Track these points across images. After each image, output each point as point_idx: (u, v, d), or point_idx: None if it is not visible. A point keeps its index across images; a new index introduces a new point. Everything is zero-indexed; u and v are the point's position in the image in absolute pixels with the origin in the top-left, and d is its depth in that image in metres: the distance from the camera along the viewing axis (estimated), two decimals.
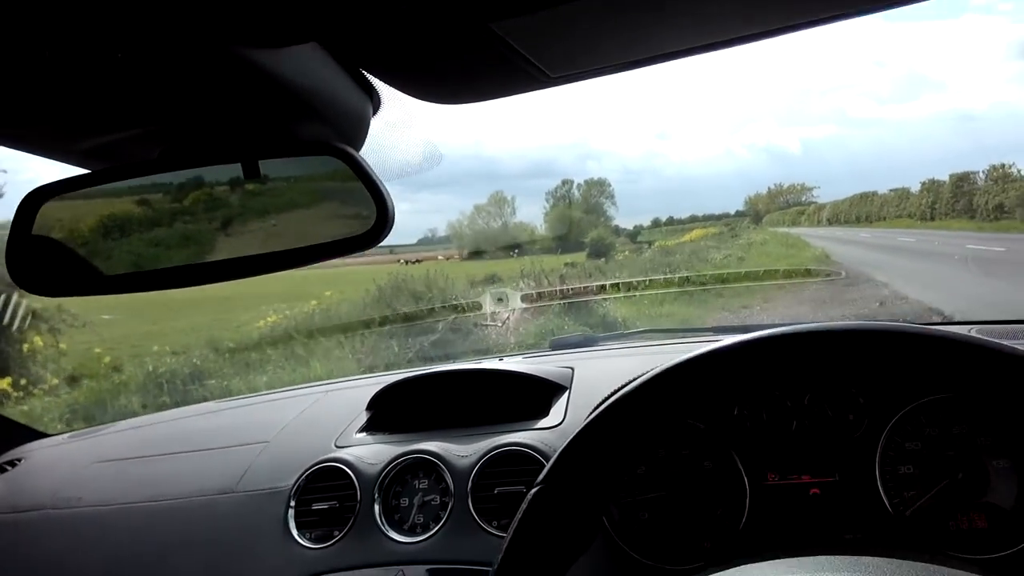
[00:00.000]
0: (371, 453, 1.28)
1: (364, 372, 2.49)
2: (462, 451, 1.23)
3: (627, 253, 15.22)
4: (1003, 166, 16.20)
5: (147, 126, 0.59)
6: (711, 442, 1.06)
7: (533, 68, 0.53)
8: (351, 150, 0.60)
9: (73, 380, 5.83)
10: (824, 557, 0.53)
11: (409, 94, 0.59)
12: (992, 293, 6.88)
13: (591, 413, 0.78)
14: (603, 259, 13.67)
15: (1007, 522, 0.94)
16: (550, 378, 1.38)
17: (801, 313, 6.71)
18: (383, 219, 0.61)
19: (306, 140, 0.61)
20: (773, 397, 1.06)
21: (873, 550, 0.56)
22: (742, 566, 0.55)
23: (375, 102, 0.65)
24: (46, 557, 1.38)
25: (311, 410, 1.57)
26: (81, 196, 0.65)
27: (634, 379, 0.79)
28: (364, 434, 1.38)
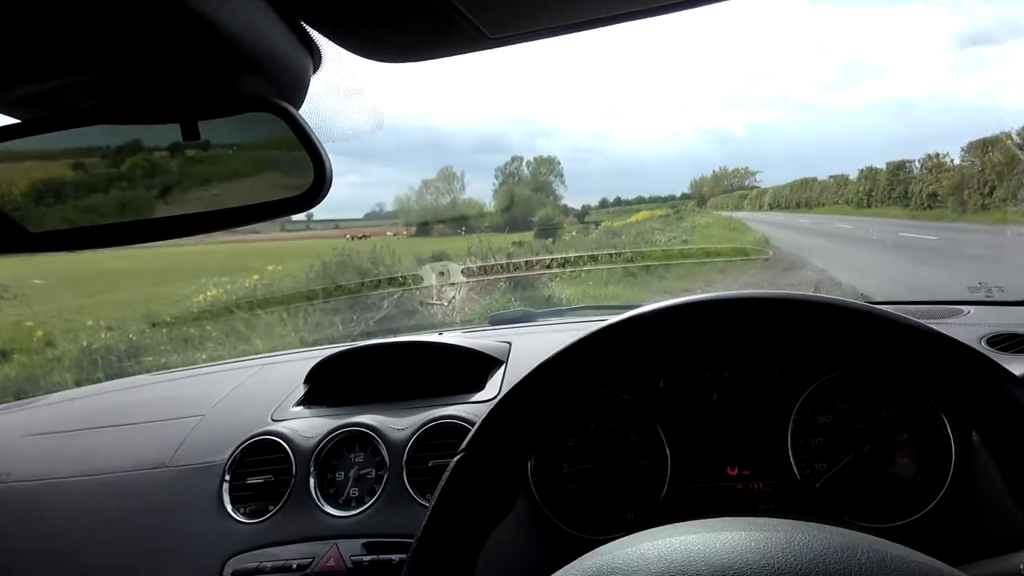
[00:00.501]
0: (307, 426, 1.29)
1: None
2: (398, 424, 1.25)
3: (574, 233, 15.28)
4: (937, 155, 16.72)
5: (83, 74, 0.57)
6: (637, 414, 1.11)
7: (472, 27, 0.54)
8: (290, 107, 0.59)
9: (3, 355, 5.63)
10: (725, 519, 0.56)
11: (348, 49, 0.59)
12: (921, 280, 7.16)
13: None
14: (551, 239, 13.70)
15: (908, 493, 1.01)
16: (487, 352, 1.40)
17: None
18: (320, 180, 0.61)
19: (245, 95, 0.60)
20: (695, 370, 1.10)
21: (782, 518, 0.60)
22: (647, 530, 0.58)
23: (316, 59, 0.64)
24: None
25: (248, 383, 1.56)
26: (15, 155, 0.63)
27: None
28: (301, 407, 1.38)
